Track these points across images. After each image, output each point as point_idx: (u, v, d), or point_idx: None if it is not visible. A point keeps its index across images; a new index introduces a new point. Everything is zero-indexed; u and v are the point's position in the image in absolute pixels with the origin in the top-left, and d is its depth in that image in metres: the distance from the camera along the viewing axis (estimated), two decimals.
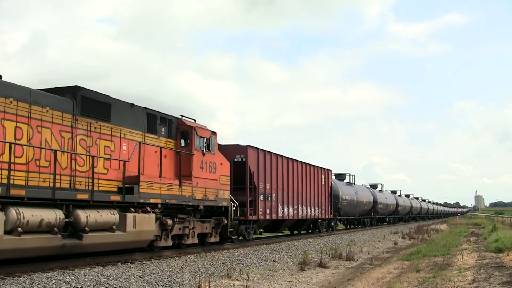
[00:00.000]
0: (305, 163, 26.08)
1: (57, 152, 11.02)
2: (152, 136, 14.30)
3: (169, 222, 14.17)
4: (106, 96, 12.84)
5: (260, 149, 20.79)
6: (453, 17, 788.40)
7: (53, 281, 9.22)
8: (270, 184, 21.29)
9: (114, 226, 11.99)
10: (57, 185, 10.80)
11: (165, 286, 10.27)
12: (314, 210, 26.80)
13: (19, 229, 9.62)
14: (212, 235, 16.85)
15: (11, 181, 9.78)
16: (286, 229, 26.10)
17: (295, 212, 24.05)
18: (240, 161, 19.54)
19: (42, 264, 10.44)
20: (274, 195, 21.54)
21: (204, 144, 16.14)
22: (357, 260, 17.07)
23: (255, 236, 21.29)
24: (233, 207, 17.59)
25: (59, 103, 11.45)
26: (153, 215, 13.29)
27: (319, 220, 28.44)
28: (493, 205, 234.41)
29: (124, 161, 12.67)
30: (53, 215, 10.38)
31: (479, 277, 10.29)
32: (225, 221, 17.09)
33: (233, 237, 17.81)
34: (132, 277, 10.45)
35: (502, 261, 13.00)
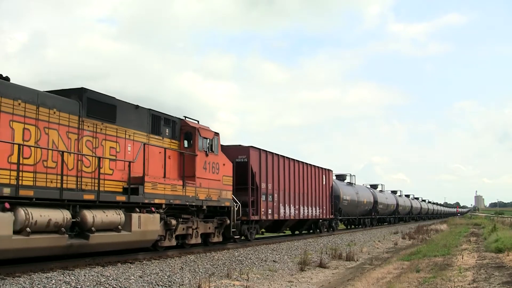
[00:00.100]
0: (307, 163, 26.26)
1: (64, 153, 11.20)
2: (156, 137, 14.48)
3: (173, 222, 14.34)
4: (112, 98, 13.02)
5: (262, 149, 20.97)
6: (453, 17, 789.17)
7: (53, 281, 9.27)
8: (272, 184, 21.47)
9: (119, 226, 12.16)
10: (64, 185, 10.97)
11: (165, 286, 10.32)
12: (315, 210, 26.98)
13: (28, 229, 9.78)
14: (215, 235, 17.03)
15: (20, 182, 9.96)
16: (288, 229, 26.27)
17: (297, 212, 24.23)
18: (242, 162, 19.72)
19: (42, 264, 10.51)
20: (276, 195, 21.72)
21: (207, 145, 16.32)
22: (357, 260, 17.12)
23: (257, 236, 21.46)
24: (236, 207, 17.76)
25: (66, 105, 11.63)
26: (157, 215, 13.47)
27: (320, 220, 28.62)
28: (493, 205, 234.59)
29: (130, 162, 12.85)
30: (61, 215, 10.56)
31: (479, 277, 10.33)
32: (228, 221, 17.25)
33: (235, 237, 17.98)
34: (132, 277, 10.51)
35: (502, 261, 13.04)
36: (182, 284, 10.57)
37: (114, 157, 12.75)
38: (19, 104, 10.48)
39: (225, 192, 17.16)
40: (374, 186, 47.38)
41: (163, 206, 13.85)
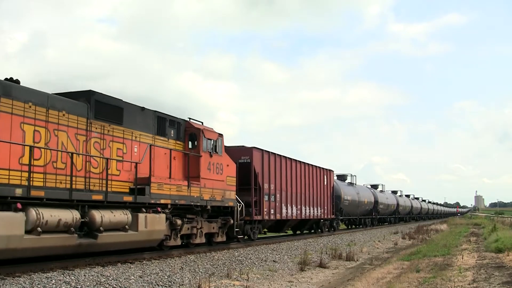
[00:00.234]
0: (308, 164, 26.51)
1: (73, 154, 11.44)
2: (161, 138, 14.72)
3: (178, 222, 14.59)
4: (118, 100, 13.26)
5: (265, 150, 21.22)
6: (453, 17, 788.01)
7: (53, 281, 9.30)
8: (274, 184, 21.72)
9: (126, 226, 12.41)
10: (73, 186, 11.23)
11: (165, 286, 10.35)
12: (317, 210, 27.23)
13: (39, 228, 10.03)
14: (219, 234, 17.28)
15: (30, 183, 10.19)
16: (289, 229, 26.52)
17: (298, 212, 24.48)
18: (245, 163, 19.97)
19: (42, 264, 10.57)
20: (278, 195, 21.97)
21: (212, 146, 16.56)
22: (357, 260, 17.15)
23: (259, 236, 21.70)
24: (239, 207, 18.02)
25: (75, 107, 11.88)
26: (163, 215, 13.71)
27: (322, 220, 28.87)
28: (493, 205, 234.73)
29: (136, 163, 13.09)
30: (70, 215, 10.80)
31: (479, 277, 10.34)
32: (232, 221, 17.51)
33: (239, 236, 18.23)
34: (132, 277, 10.53)
35: (502, 261, 13.05)
36: (182, 284, 10.61)
37: (121, 158, 12.99)
38: (30, 106, 10.72)
39: (228, 193, 17.40)
40: (374, 186, 47.63)
41: (169, 206, 14.10)
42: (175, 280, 10.83)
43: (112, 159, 12.59)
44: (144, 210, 13.14)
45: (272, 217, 21.35)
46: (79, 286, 9.26)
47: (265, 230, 22.81)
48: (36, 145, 10.64)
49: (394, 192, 56.71)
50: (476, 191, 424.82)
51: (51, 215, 10.33)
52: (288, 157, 23.78)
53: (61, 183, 11.19)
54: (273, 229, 24.17)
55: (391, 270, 13.19)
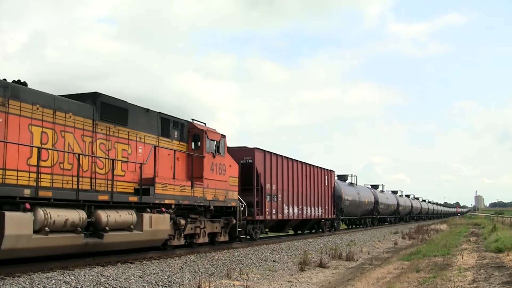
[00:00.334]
0: (309, 164, 26.71)
1: (79, 155, 11.63)
2: (165, 139, 14.90)
3: (182, 222, 14.78)
4: (124, 102, 13.45)
5: (267, 151, 21.42)
6: (453, 17, 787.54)
7: (53, 281, 9.32)
8: (276, 185, 21.91)
9: (131, 226, 12.59)
10: (79, 187, 11.41)
11: (165, 286, 10.37)
12: (318, 210, 27.42)
13: (47, 228, 10.20)
14: (222, 234, 17.47)
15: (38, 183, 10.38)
16: (291, 228, 26.72)
17: (300, 212, 24.68)
18: (248, 163, 20.17)
19: (42, 264, 10.62)
20: (280, 195, 22.16)
21: (214, 147, 16.75)
22: (357, 260, 17.20)
23: (261, 235, 21.89)
24: (242, 207, 18.20)
25: (81, 109, 12.06)
26: (167, 215, 13.90)
27: (323, 220, 29.07)
28: (493, 205, 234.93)
29: (141, 164, 13.28)
30: (77, 215, 10.99)
31: (479, 277, 10.37)
32: (234, 221, 17.69)
33: (241, 236, 18.42)
34: (132, 277, 10.56)
35: (502, 261, 13.08)
36: (182, 284, 10.64)
37: (126, 159, 13.18)
38: (37, 108, 10.91)
39: (231, 193, 17.59)
40: (375, 186, 47.82)
41: (173, 206, 14.28)
42: (175, 280, 10.88)
43: (117, 160, 12.77)
44: (148, 210, 13.32)
45: (274, 217, 21.55)
46: (79, 286, 9.31)
47: (267, 230, 23.01)
48: (43, 146, 10.83)
49: (395, 192, 56.90)
50: (476, 191, 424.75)
51: (58, 215, 10.52)
52: (290, 158, 23.98)
53: (67, 183, 11.38)
54: (275, 229, 24.37)
55: (391, 270, 13.22)
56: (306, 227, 28.29)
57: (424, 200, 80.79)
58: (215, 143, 16.81)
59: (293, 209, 23.78)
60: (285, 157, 23.32)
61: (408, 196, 64.48)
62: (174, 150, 15.00)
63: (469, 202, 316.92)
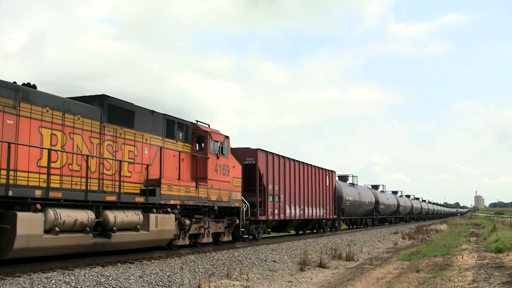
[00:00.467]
0: (311, 165, 26.96)
1: (88, 157, 11.87)
2: (170, 141, 15.14)
3: (187, 222, 15.03)
4: (130, 104, 13.68)
5: (269, 152, 21.67)
6: (453, 17, 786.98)
7: (53, 281, 9.33)
8: (278, 185, 22.17)
9: (138, 226, 12.83)
10: (88, 187, 11.65)
11: (165, 286, 10.38)
12: (319, 210, 27.67)
13: (57, 228, 10.45)
14: (225, 234, 17.72)
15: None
16: (292, 228, 26.97)
17: (301, 212, 24.93)
18: (250, 164, 20.41)
19: (42, 264, 10.66)
20: (282, 196, 22.42)
21: (218, 148, 17.00)
22: (357, 260, 17.23)
23: (263, 235, 22.13)
24: (245, 207, 18.45)
25: (89, 111, 12.30)
26: (172, 216, 14.14)
27: (324, 220, 29.32)
28: (493, 205, 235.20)
29: (147, 165, 13.52)
30: (86, 216, 11.24)
31: (479, 277, 10.38)
32: (237, 221, 17.95)
33: (244, 236, 18.66)
34: (132, 277, 10.57)
35: (502, 261, 13.10)
36: (182, 284, 10.65)
37: (132, 160, 13.42)
38: (47, 111, 11.15)
39: (235, 193, 17.84)
40: (375, 187, 48.04)
41: (178, 206, 14.53)
42: (175, 280, 10.91)
43: (124, 161, 13.02)
44: (154, 210, 13.57)
45: (276, 217, 21.80)
46: (79, 286, 9.34)
47: (269, 230, 23.25)
48: (53, 148, 11.07)
49: (395, 193, 57.12)
50: (476, 191, 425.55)
51: (68, 215, 10.76)
52: (292, 159, 24.24)
53: (76, 184, 11.62)
54: (277, 229, 24.62)
55: (391, 270, 13.26)
56: (307, 227, 28.53)
57: (424, 201, 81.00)
58: (219, 144, 17.05)
59: (295, 209, 24.04)
60: (287, 158, 23.57)
61: (408, 196, 64.70)
62: (179, 151, 15.25)
63: (469, 202, 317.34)
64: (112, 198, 12.25)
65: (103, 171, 12.48)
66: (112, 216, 11.99)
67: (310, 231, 29.38)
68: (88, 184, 11.72)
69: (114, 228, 11.96)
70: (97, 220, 11.64)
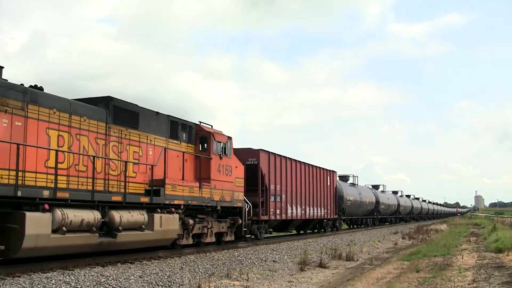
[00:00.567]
0: (312, 165, 27.14)
1: (94, 158, 12.05)
2: (174, 141, 15.32)
3: (191, 221, 15.21)
4: (135, 105, 13.86)
5: (271, 152, 21.85)
6: (453, 17, 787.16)
7: (53, 281, 9.35)
8: (280, 185, 22.35)
9: (143, 226, 13.02)
10: (94, 188, 11.83)
11: (165, 286, 10.40)
12: (320, 210, 27.86)
13: (64, 228, 10.64)
14: (228, 234, 17.90)
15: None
16: (293, 228, 27.14)
17: (303, 212, 25.12)
18: (253, 164, 20.60)
19: (42, 264, 10.71)
20: (283, 196, 22.60)
21: (221, 149, 17.18)
22: (357, 260, 17.27)
23: (265, 235, 22.31)
24: (247, 207, 18.63)
25: (95, 113, 12.48)
26: (176, 215, 14.33)
27: (325, 220, 29.51)
28: (493, 205, 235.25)
29: (152, 166, 13.70)
30: (92, 216, 11.42)
31: (479, 277, 10.40)
32: (240, 221, 18.12)
33: (246, 236, 18.84)
34: (132, 277, 10.59)
35: (502, 261, 13.12)
36: (182, 284, 10.67)
37: (137, 161, 13.60)
38: (54, 112, 11.33)
39: (237, 193, 18.02)
40: (376, 187, 48.20)
41: (182, 206, 14.71)
42: (175, 280, 10.94)
43: (129, 161, 13.19)
44: (159, 210, 13.76)
45: (278, 217, 21.98)
46: (79, 286, 9.37)
47: (271, 229, 23.43)
48: (60, 149, 11.25)
49: (395, 193, 57.28)
50: (476, 191, 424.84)
51: (74, 215, 10.95)
52: (293, 159, 24.43)
53: (82, 184, 11.80)
54: (278, 229, 24.80)
55: (391, 270, 13.30)
56: (308, 227, 28.71)
57: (424, 200, 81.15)
58: (221, 144, 17.23)
59: (297, 209, 24.22)
60: (288, 158, 23.75)
61: (408, 196, 64.86)
62: (183, 152, 15.43)
63: (469, 202, 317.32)
64: (118, 198, 12.43)
65: (108, 172, 12.66)
66: (118, 216, 12.17)
67: (311, 231, 29.55)
68: (94, 184, 11.91)
69: (120, 228, 12.15)
70: (103, 220, 11.82)
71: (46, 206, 10.38)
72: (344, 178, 38.20)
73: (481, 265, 12.63)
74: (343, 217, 34.02)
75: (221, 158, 17.08)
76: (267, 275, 13.00)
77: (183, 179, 15.05)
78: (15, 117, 10.38)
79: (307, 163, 26.42)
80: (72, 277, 9.82)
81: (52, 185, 10.75)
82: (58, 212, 10.60)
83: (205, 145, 16.71)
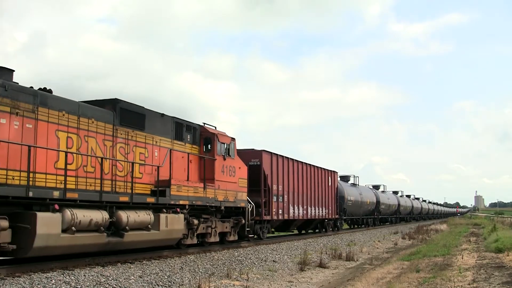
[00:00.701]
0: (314, 165, 27.40)
1: (102, 159, 12.29)
2: (179, 143, 15.56)
3: (195, 221, 15.45)
4: (141, 107, 14.11)
5: (274, 153, 22.11)
6: (453, 17, 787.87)
7: (53, 281, 9.38)
8: (282, 186, 22.60)
9: (149, 225, 13.26)
10: (101, 188, 12.07)
11: (165, 286, 10.46)
12: (322, 210, 28.11)
13: (73, 228, 10.88)
14: (231, 234, 18.14)
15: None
16: (295, 228, 27.39)
17: (305, 212, 25.37)
18: (255, 165, 20.85)
19: (42, 264, 10.76)
20: (286, 196, 22.85)
21: (225, 150, 17.42)
22: (357, 260, 17.42)
23: (268, 235, 22.55)
24: (250, 208, 18.89)
25: (102, 115, 12.72)
26: (181, 215, 14.58)
27: (326, 220, 29.76)
28: (493, 205, 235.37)
29: (158, 167, 13.95)
30: (100, 216, 11.67)
31: (479, 277, 10.45)
32: (243, 221, 18.38)
33: (249, 236, 19.09)
34: (132, 277, 10.64)
35: (502, 261, 13.18)
36: (182, 284, 10.72)
37: (143, 162, 13.85)
38: (63, 115, 11.57)
39: (240, 194, 18.27)
40: (376, 187, 48.43)
41: (186, 207, 14.96)
42: (175, 280, 11.00)
43: (136, 162, 13.44)
44: (164, 210, 14.00)
45: (280, 217, 22.24)
46: (79, 286, 9.41)
47: (273, 229, 23.69)
48: (69, 150, 11.50)
49: (395, 193, 57.51)
50: (476, 191, 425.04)
51: (83, 215, 11.19)
52: (295, 159, 24.69)
53: (90, 185, 12.05)
54: (281, 229, 25.06)
55: (391, 270, 13.39)
56: (310, 227, 28.97)
57: (424, 201, 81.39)
58: (225, 146, 17.48)
59: (298, 209, 24.48)
60: (290, 159, 24.01)
61: (408, 196, 65.10)
62: (188, 153, 15.67)
63: (469, 202, 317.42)
64: (125, 198, 12.68)
65: (115, 173, 12.90)
66: (125, 216, 12.41)
67: (312, 231, 29.80)
68: (102, 185, 12.14)
69: (127, 227, 12.38)
70: (110, 220, 12.06)
71: (56, 207, 10.61)
72: (345, 179, 38.44)
73: (481, 265, 12.68)
74: (344, 217, 34.28)
75: (224, 159, 17.33)
76: (267, 275, 13.09)
77: (188, 179, 15.30)
78: (26, 120, 10.61)
79: (309, 164, 26.68)
80: (72, 277, 9.90)
81: (62, 186, 10.99)
82: (68, 212, 10.84)
83: (209, 146, 16.94)
